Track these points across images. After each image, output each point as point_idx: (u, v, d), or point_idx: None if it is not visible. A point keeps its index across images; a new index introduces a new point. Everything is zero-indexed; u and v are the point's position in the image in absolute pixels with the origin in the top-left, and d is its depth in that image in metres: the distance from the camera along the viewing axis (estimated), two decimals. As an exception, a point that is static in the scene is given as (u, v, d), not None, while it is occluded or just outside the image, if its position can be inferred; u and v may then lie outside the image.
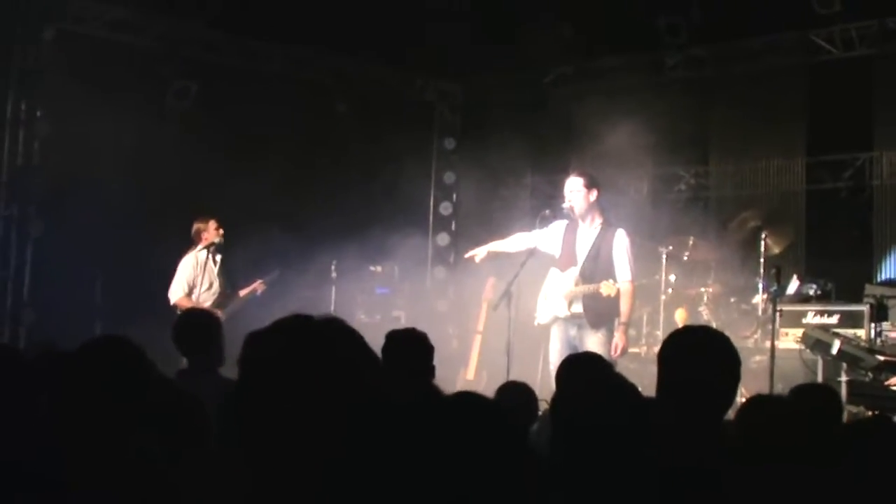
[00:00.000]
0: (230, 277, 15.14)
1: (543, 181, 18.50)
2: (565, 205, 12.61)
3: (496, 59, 17.96)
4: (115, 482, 4.84)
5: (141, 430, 4.88)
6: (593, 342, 12.09)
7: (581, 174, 12.67)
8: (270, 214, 15.71)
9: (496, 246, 13.21)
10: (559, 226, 12.80)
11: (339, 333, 3.24)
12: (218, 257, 15.03)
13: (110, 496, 4.77)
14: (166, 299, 14.59)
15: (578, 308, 12.34)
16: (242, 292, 15.09)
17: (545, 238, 12.77)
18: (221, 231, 14.93)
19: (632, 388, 5.03)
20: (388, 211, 17.88)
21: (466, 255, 13.57)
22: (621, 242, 12.53)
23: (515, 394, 7.69)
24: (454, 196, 20.01)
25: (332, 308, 16.17)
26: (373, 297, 17.61)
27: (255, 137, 16.81)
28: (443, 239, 19.84)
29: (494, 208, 17.73)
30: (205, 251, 14.86)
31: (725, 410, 5.44)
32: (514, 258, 13.26)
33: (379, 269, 17.67)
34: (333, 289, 16.34)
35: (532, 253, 12.83)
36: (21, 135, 16.20)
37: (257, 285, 15.16)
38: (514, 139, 18.61)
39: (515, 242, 13.03)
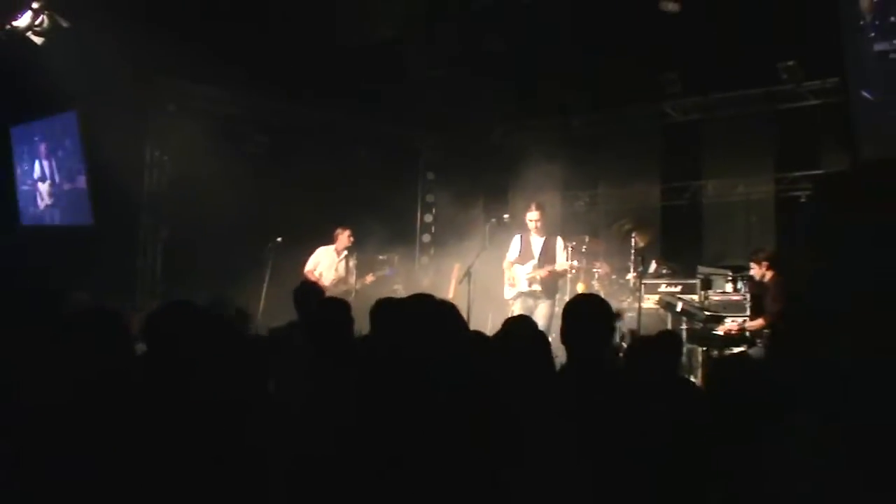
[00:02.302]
0: (358, 270, 15.44)
1: (492, 200, 18.49)
2: (526, 223, 13.39)
3: (461, 120, 18.14)
4: None
5: None
6: (543, 307, 12.91)
7: (538, 208, 13.34)
8: (314, 225, 15.79)
9: (509, 263, 13.53)
10: (517, 239, 13.40)
11: (449, 308, 3.58)
12: (343, 255, 15.34)
13: None
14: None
15: (536, 287, 12.94)
16: (365, 280, 15.29)
17: (513, 250, 13.38)
18: (352, 239, 15.38)
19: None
20: (391, 220, 17.76)
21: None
22: (560, 244, 13.25)
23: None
24: (433, 210, 20.03)
25: (354, 282, 16.48)
26: (380, 276, 17.81)
27: (305, 174, 16.75)
28: (426, 238, 19.93)
29: (459, 218, 17.76)
30: (332, 248, 15.27)
31: (606, 348, 5.37)
32: (473, 251, 13.79)
33: (385, 258, 17.86)
34: (354, 272, 16.64)
35: (483, 248, 13.43)
36: (155, 173, 16.48)
37: (369, 277, 15.35)
38: (473, 172, 18.93)
39: (510, 257, 13.52)
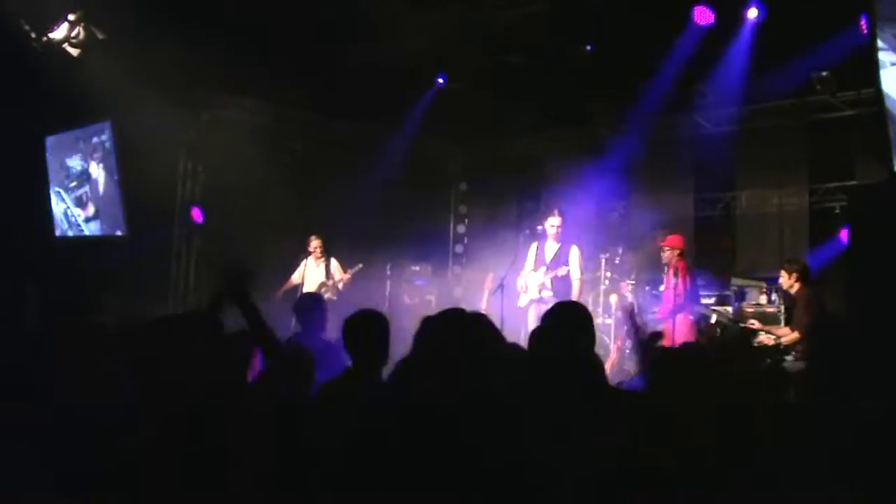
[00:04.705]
0: (330, 272, 15.18)
1: (525, 210, 18.61)
2: (546, 229, 13.56)
3: (495, 131, 18.22)
4: None
5: None
6: None
7: (560, 214, 13.44)
8: (348, 231, 15.92)
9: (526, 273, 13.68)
10: (533, 247, 13.51)
11: (481, 319, 3.61)
12: (321, 261, 15.21)
13: None
14: (279, 283, 14.91)
15: (547, 293, 12.94)
16: (344, 278, 15.11)
17: (529, 259, 13.44)
18: (314, 244, 15.20)
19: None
20: (424, 230, 18.11)
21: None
22: (574, 253, 13.18)
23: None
24: (466, 220, 20.15)
25: (388, 293, 16.60)
26: (414, 286, 17.85)
27: (338, 185, 16.81)
28: (459, 248, 20.03)
29: (492, 228, 17.82)
30: (312, 258, 15.18)
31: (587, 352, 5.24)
32: (505, 261, 13.80)
33: (418, 268, 17.94)
34: (388, 282, 16.72)
35: (516, 259, 13.47)
36: (188, 182, 16.67)
37: (346, 275, 15.11)
38: (504, 183, 18.97)
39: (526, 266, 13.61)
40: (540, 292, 13.21)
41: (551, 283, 13.25)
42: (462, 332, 3.59)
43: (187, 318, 4.97)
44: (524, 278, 13.54)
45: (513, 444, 3.43)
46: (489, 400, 3.46)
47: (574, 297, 12.97)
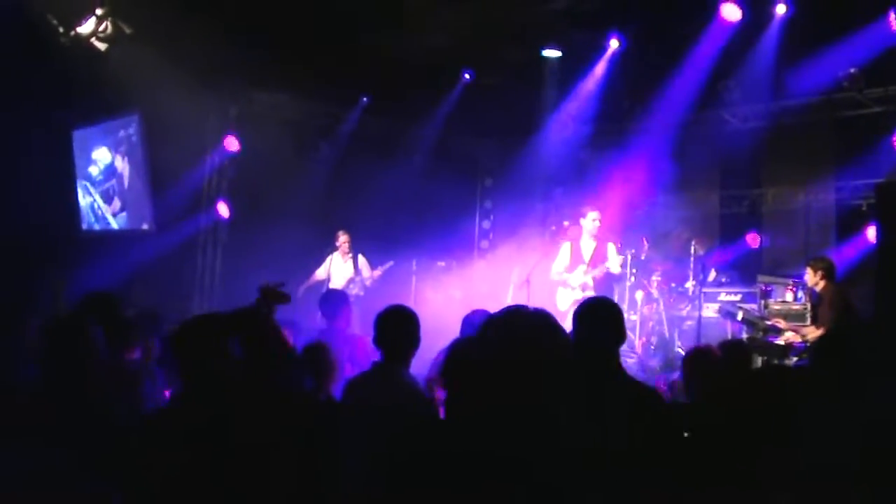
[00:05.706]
0: (357, 268, 15.27)
1: (551, 208, 18.59)
2: (584, 225, 13.51)
3: (519, 127, 18.21)
4: None
5: None
6: None
7: (597, 209, 13.41)
8: (374, 226, 15.98)
9: (557, 273, 13.68)
10: (566, 246, 13.46)
11: (546, 316, 3.58)
12: (349, 256, 15.30)
13: None
14: (304, 279, 14.92)
15: (590, 293, 12.91)
16: (373, 276, 15.21)
17: (561, 259, 13.37)
18: (342, 240, 15.30)
19: None
20: (450, 225, 18.00)
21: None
22: (612, 249, 13.22)
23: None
24: (491, 216, 20.16)
25: (413, 288, 16.62)
26: (439, 281, 17.75)
27: (364, 181, 16.67)
28: (484, 244, 20.03)
29: (517, 224, 17.81)
30: (339, 253, 15.22)
31: (617, 346, 5.27)
32: (531, 257, 13.81)
33: (442, 263, 17.95)
34: (414, 277, 16.75)
35: (543, 256, 13.46)
36: (216, 176, 16.71)
37: (376, 272, 15.24)
38: (531, 179, 18.92)
39: (557, 266, 13.57)
40: (584, 291, 13.19)
41: (593, 281, 13.27)
42: (541, 335, 3.54)
43: (229, 317, 5.00)
44: (558, 277, 13.51)
45: (548, 448, 3.40)
46: (542, 407, 3.43)
47: (627, 296, 13.31)
